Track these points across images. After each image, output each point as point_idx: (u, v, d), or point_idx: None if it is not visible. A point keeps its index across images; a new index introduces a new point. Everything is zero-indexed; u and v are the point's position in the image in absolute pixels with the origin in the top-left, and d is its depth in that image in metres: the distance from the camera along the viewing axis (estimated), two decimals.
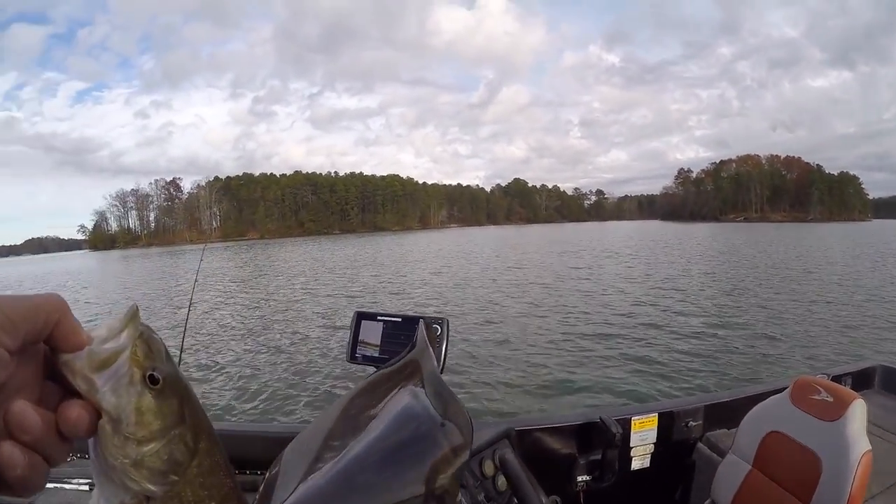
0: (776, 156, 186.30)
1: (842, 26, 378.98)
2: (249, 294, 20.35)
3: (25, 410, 0.39)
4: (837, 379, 3.10)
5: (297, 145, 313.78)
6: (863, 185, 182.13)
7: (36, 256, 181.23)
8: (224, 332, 13.11)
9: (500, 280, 21.27)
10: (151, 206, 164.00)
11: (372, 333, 1.81)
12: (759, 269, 24.10)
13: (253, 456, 2.05)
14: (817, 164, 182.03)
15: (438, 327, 1.69)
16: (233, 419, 7.17)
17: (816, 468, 2.05)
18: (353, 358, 1.82)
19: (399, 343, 1.77)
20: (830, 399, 2.11)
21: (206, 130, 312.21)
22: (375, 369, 1.50)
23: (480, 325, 12.54)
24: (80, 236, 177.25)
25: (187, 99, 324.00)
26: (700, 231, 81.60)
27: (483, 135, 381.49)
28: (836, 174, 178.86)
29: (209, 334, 12.74)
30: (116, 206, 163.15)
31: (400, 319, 1.81)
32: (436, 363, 1.07)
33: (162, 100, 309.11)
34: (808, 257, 30.21)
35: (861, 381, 3.47)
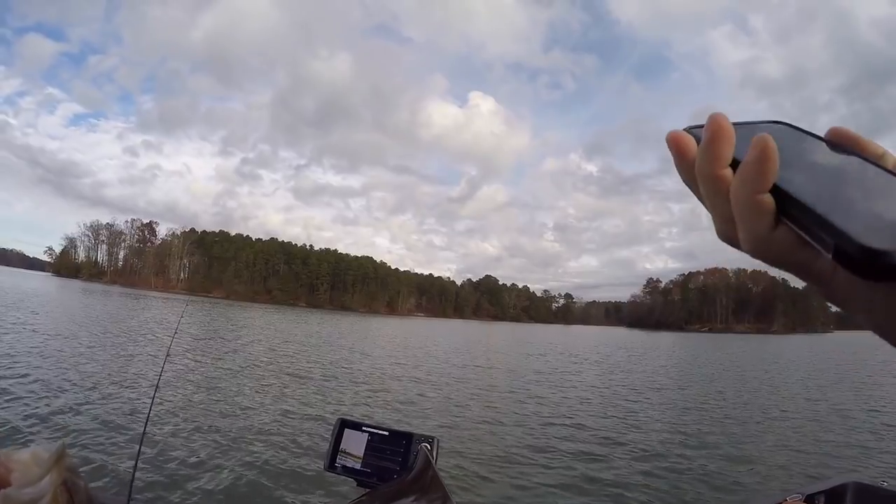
0: (743, 269, 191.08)
1: (802, 122, 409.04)
2: (218, 365, 18.84)
3: None
4: (811, 498, 3.26)
5: (277, 212, 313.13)
6: None
7: None
8: (189, 412, 11.65)
9: (473, 387, 20.29)
10: (123, 245, 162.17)
11: (355, 444, 1.74)
12: (722, 382, 24.22)
13: None
14: (782, 279, 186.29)
15: (429, 445, 1.63)
16: None
17: None
18: (332, 467, 1.74)
19: (384, 458, 1.71)
20: None
21: (191, 180, 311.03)
22: (356, 482, 1.69)
23: (463, 437, 11.85)
24: (45, 257, 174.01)
25: (178, 146, 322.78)
26: (666, 340, 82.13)
27: (459, 228, 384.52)
28: (800, 288, 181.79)
29: (173, 412, 11.35)
30: (88, 236, 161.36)
31: (387, 433, 1.75)
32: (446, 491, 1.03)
33: (154, 141, 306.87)
34: (771, 371, 30.56)
35: (834, 498, 3.46)
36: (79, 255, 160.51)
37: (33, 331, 20.14)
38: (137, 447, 1.61)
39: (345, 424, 1.79)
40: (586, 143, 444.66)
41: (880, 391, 21.01)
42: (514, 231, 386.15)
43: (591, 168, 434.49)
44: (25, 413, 9.34)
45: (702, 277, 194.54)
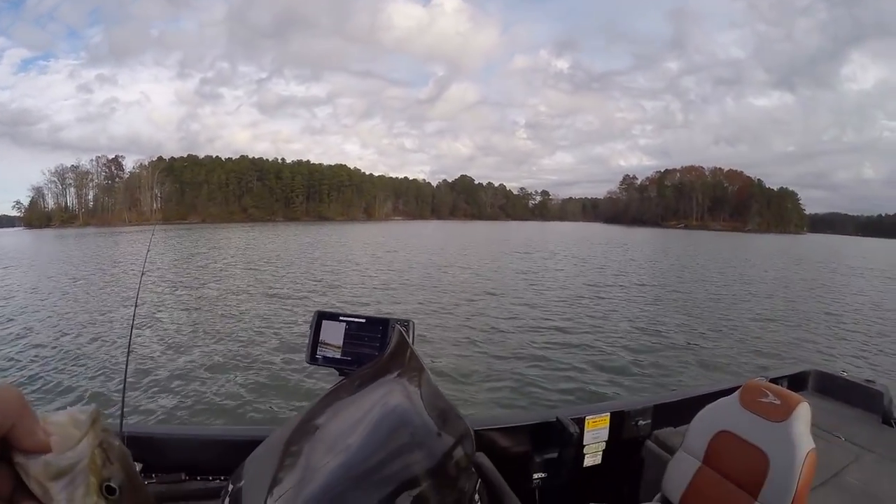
0: (719, 168, 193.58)
1: (787, 51, 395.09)
2: (200, 285, 19.56)
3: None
4: (775, 382, 3.32)
5: (243, 130, 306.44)
6: (800, 201, 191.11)
7: None
8: (174, 326, 12.44)
9: (452, 280, 21.44)
10: (91, 185, 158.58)
11: (333, 334, 1.76)
12: (700, 275, 25.14)
13: (210, 462, 2.19)
14: (758, 179, 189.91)
15: (405, 329, 1.62)
16: (183, 423, 6.97)
17: (764, 465, 2.20)
18: (312, 359, 1.77)
19: (363, 345, 1.74)
20: (777, 402, 2.29)
21: (151, 109, 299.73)
22: (337, 371, 1.72)
23: (435, 325, 12.60)
24: (14, 213, 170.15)
25: (133, 76, 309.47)
26: (643, 235, 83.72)
27: (430, 130, 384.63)
28: (775, 189, 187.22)
29: (158, 328, 12.12)
30: (55, 182, 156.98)
31: (364, 320, 1.77)
32: (423, 365, 1.03)
33: (107, 74, 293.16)
34: (746, 267, 31.61)
35: (796, 384, 3.72)
36: (48, 204, 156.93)
37: (7, 288, 19.72)
38: (124, 370, 2.01)
39: (322, 316, 1.81)
40: (556, 40, 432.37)
41: (846, 291, 22.08)
42: (486, 130, 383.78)
43: (562, 65, 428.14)
44: (9, 357, 9.72)
45: (678, 175, 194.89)
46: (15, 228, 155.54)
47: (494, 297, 16.74)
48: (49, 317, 13.50)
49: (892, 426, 3.50)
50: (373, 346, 1.71)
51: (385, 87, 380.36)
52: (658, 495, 2.68)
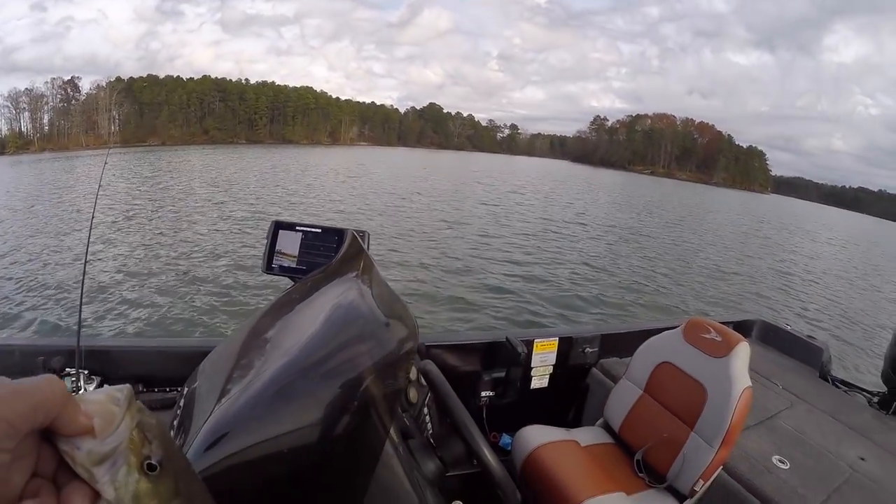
0: (691, 119, 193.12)
1: (771, 12, 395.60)
2: (156, 203, 19.53)
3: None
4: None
5: (205, 48, 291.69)
6: (768, 161, 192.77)
7: None
8: (130, 243, 12.52)
9: (413, 206, 21.56)
10: (46, 108, 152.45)
11: (290, 244, 1.78)
12: (661, 221, 25.78)
13: (167, 373, 2.22)
14: (728, 134, 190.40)
15: (360, 239, 1.59)
16: (143, 336, 6.98)
17: (702, 397, 2.31)
18: (269, 269, 1.81)
19: (319, 254, 1.78)
20: (719, 339, 2.39)
21: (108, 27, 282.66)
22: (292, 280, 1.78)
23: (393, 242, 12.95)
24: None
25: None
26: (610, 177, 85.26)
27: (399, 55, 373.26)
28: (744, 146, 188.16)
29: (114, 246, 12.18)
30: (8, 107, 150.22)
31: (320, 230, 1.80)
32: (374, 265, 1.09)
33: None
34: (708, 219, 32.35)
35: (741, 330, 3.73)
36: (1, 130, 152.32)
37: None
38: (80, 290, 2.22)
39: (279, 226, 1.85)
40: None
41: (801, 254, 23.12)
42: (458, 58, 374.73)
43: None
44: None
45: (649, 121, 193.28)
46: None
47: (454, 224, 16.99)
48: (4, 242, 13.37)
49: (828, 381, 3.64)
50: (328, 256, 1.74)
51: (355, 8, 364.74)
52: (601, 420, 2.83)
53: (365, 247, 1.55)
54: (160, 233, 13.93)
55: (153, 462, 0.47)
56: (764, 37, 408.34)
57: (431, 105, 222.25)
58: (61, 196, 23.63)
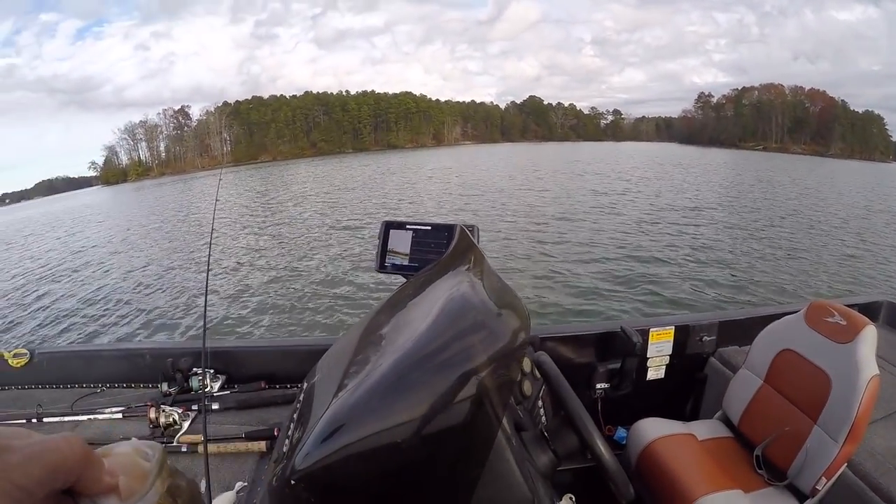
0: (800, 87, 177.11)
1: None
2: (271, 214, 20.24)
3: None
4: None
5: (303, 66, 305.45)
6: (887, 126, 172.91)
7: (46, 199, 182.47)
8: (249, 252, 13.27)
9: (524, 196, 21.36)
10: (161, 136, 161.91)
11: (401, 242, 1.78)
12: (778, 199, 24.13)
13: (287, 370, 2.42)
14: (842, 100, 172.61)
15: (470, 233, 1.54)
16: (264, 336, 7.47)
17: (826, 387, 2.16)
18: (382, 267, 1.82)
19: (429, 251, 1.77)
20: (843, 322, 2.20)
21: (209, 57, 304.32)
22: (404, 278, 1.75)
23: (504, 236, 12.81)
24: (91, 173, 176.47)
25: (187, 28, 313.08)
26: (720, 157, 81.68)
27: (493, 52, 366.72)
28: (860, 112, 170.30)
29: (234, 255, 13.00)
30: (126, 139, 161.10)
31: (430, 227, 1.79)
32: (485, 258, 1.05)
33: (162, 30, 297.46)
34: (827, 192, 30.08)
35: (866, 313, 2.87)
36: (121, 160, 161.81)
37: (100, 238, 21.10)
38: (204, 297, 1.76)
39: (389, 226, 1.85)
40: None
41: None
42: (551, 49, 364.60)
43: None
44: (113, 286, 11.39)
45: (756, 93, 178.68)
46: (93, 188, 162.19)
47: (562, 216, 16.52)
48: (138, 256, 15.12)
49: None
50: (439, 252, 1.75)
51: (443, 10, 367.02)
52: (719, 413, 2.73)
53: (475, 240, 1.57)
54: (278, 240, 14.58)
55: None
56: None
57: (531, 98, 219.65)
58: (185, 214, 25.94)
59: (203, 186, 48.86)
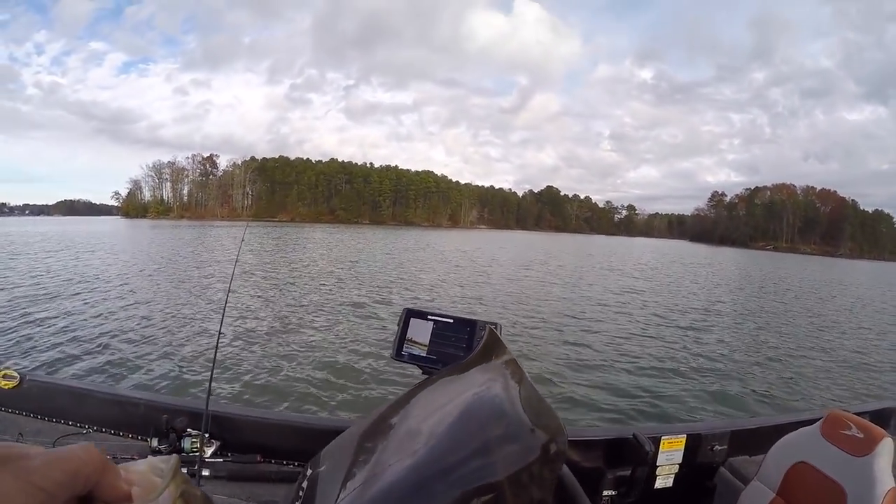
0: (812, 187, 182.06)
1: (879, 60, 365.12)
2: (288, 278, 19.97)
3: None
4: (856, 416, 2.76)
5: (330, 134, 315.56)
6: None
7: (65, 218, 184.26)
8: (262, 315, 12.90)
9: (537, 292, 21.02)
10: (186, 180, 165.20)
11: (421, 332, 1.74)
12: (787, 301, 24.12)
13: (287, 447, 2.30)
14: (852, 199, 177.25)
15: (493, 328, 1.57)
16: (263, 407, 7.06)
17: (841, 501, 2.10)
18: (398, 355, 1.76)
19: (449, 345, 1.72)
20: (861, 435, 2.16)
21: (242, 112, 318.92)
22: (420, 369, 1.73)
23: (517, 332, 12.45)
24: (112, 202, 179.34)
25: (226, 80, 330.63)
26: (731, 256, 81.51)
27: (514, 140, 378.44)
28: (869, 211, 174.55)
29: (246, 316, 12.57)
30: (152, 176, 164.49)
31: (451, 320, 1.74)
32: (517, 362, 1.06)
33: (202, 79, 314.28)
34: (836, 293, 30.34)
35: (879, 419, 3.28)
36: (144, 196, 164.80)
37: (113, 270, 20.97)
38: (213, 356, 1.74)
39: (410, 314, 1.80)
40: (638, 50, 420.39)
41: None
42: (570, 141, 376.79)
43: (645, 75, 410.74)
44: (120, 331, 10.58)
45: (769, 193, 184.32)
46: (112, 217, 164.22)
47: (578, 311, 16.56)
48: (147, 298, 14.62)
49: None
50: (459, 347, 1.72)
51: (469, 96, 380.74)
52: None
53: (500, 335, 1.51)
54: (292, 306, 14.23)
55: None
56: (874, 88, 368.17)
57: (549, 188, 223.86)
58: (201, 261, 25.66)
59: (220, 237, 48.79)
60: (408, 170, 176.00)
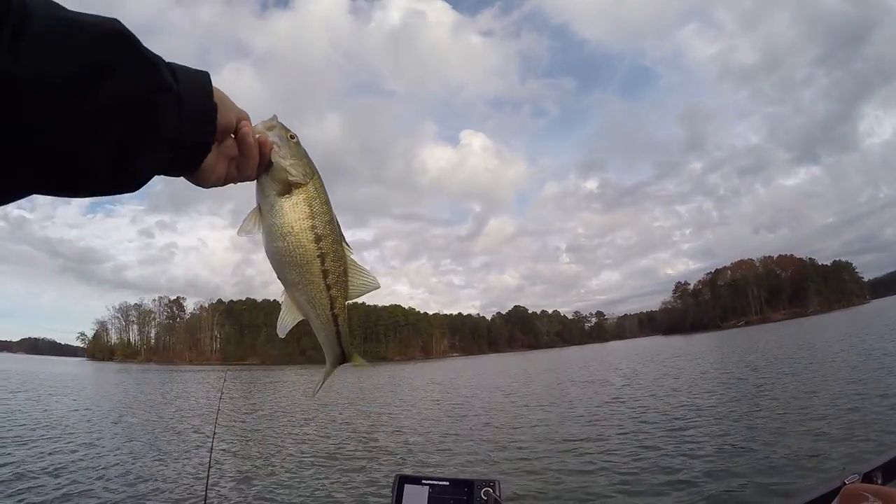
0: (769, 256, 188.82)
1: (801, 125, 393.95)
2: (263, 431, 18.29)
3: (249, 129, 0.78)
4: (868, 476, 3.00)
5: None
6: (857, 270, 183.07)
7: (29, 356, 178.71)
8: (242, 479, 11.90)
9: (522, 419, 20.17)
10: (153, 323, 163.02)
11: (416, 499, 1.67)
12: (763, 373, 24.20)
13: None
14: (810, 258, 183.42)
15: (491, 489, 1.58)
16: None
17: None
18: None
19: None
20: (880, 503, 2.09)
21: (208, 254, 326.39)
22: None
23: (514, 476, 11.32)
24: (78, 343, 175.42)
25: (191, 223, 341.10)
26: (703, 342, 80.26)
27: (475, 265, 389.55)
28: (829, 264, 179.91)
29: (230, 477, 11.86)
30: (118, 318, 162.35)
31: (448, 483, 1.69)
32: None
33: (167, 221, 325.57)
34: (812, 354, 30.61)
35: (892, 471, 3.33)
36: (111, 338, 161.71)
37: (84, 418, 20.30)
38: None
39: (404, 480, 1.74)
40: (581, 163, 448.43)
41: None
42: (529, 259, 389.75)
43: (591, 185, 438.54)
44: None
45: (729, 273, 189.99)
46: (78, 358, 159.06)
47: (568, 434, 15.72)
48: (127, 458, 13.09)
49: None
50: None
51: (427, 227, 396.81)
52: None
53: (499, 496, 1.55)
54: (274, 469, 12.80)
55: (295, 136, 0.87)
56: (803, 151, 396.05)
57: (516, 307, 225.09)
58: (182, 413, 24.03)
59: (191, 382, 48.06)
60: (375, 305, 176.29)
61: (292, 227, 0.85)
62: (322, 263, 0.85)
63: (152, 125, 0.59)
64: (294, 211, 0.85)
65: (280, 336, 1.00)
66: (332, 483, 11.39)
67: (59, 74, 0.48)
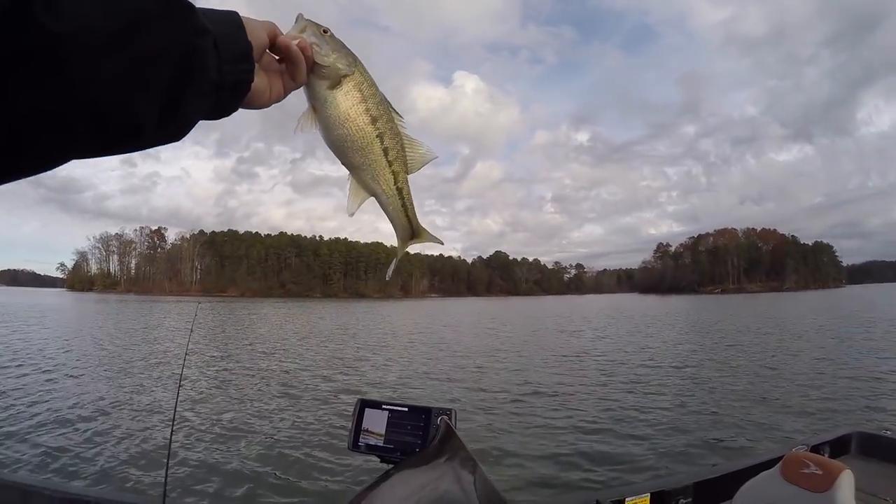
0: (752, 228, 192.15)
1: (800, 102, 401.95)
2: (234, 362, 19.15)
3: (286, 41, 0.77)
4: (816, 448, 3.32)
5: (278, 207, 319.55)
6: (836, 253, 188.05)
7: (8, 288, 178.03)
8: (216, 403, 12.37)
9: (492, 360, 19.88)
10: (134, 253, 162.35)
11: (376, 422, 1.77)
12: (735, 341, 24.69)
13: None
14: (792, 235, 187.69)
15: (447, 417, 1.65)
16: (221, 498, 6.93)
17: None
18: (355, 446, 1.77)
19: (406, 433, 1.75)
20: (819, 472, 2.26)
21: (190, 184, 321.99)
22: (379, 459, 1.76)
23: (472, 410, 12.05)
24: (58, 274, 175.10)
25: (175, 152, 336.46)
26: (679, 304, 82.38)
27: (459, 208, 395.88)
28: (810, 244, 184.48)
29: (200, 404, 12.09)
30: (99, 248, 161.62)
31: (406, 409, 1.78)
32: (472, 456, 1.08)
33: (151, 150, 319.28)
34: (782, 328, 31.15)
35: (839, 448, 3.68)
36: (91, 268, 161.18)
37: (61, 348, 20.66)
38: (167, 448, 1.96)
39: (365, 404, 1.81)
40: (574, 115, 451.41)
41: (884, 344, 21.15)
42: (514, 206, 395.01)
43: (582, 138, 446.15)
44: (58, 428, 9.46)
45: (711, 239, 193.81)
46: (58, 289, 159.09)
47: (532, 380, 15.99)
48: (100, 386, 13.53)
49: None
50: (415, 435, 1.74)
51: None
52: None
53: (454, 425, 1.61)
54: (242, 397, 13.33)
55: (329, 30, 0.86)
56: (799, 129, 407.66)
57: (497, 253, 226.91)
58: (152, 340, 24.73)
59: (168, 313, 47.12)
60: (357, 242, 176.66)
61: (349, 115, 0.90)
62: (381, 142, 0.91)
63: (197, 69, 0.60)
64: (347, 99, 0.90)
65: (349, 215, 1.03)
66: (298, 411, 11.79)
67: (99, 27, 0.48)
